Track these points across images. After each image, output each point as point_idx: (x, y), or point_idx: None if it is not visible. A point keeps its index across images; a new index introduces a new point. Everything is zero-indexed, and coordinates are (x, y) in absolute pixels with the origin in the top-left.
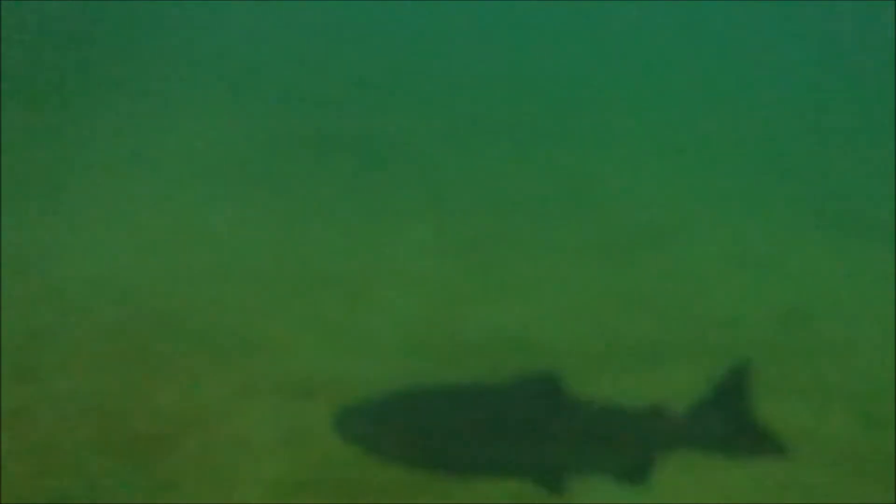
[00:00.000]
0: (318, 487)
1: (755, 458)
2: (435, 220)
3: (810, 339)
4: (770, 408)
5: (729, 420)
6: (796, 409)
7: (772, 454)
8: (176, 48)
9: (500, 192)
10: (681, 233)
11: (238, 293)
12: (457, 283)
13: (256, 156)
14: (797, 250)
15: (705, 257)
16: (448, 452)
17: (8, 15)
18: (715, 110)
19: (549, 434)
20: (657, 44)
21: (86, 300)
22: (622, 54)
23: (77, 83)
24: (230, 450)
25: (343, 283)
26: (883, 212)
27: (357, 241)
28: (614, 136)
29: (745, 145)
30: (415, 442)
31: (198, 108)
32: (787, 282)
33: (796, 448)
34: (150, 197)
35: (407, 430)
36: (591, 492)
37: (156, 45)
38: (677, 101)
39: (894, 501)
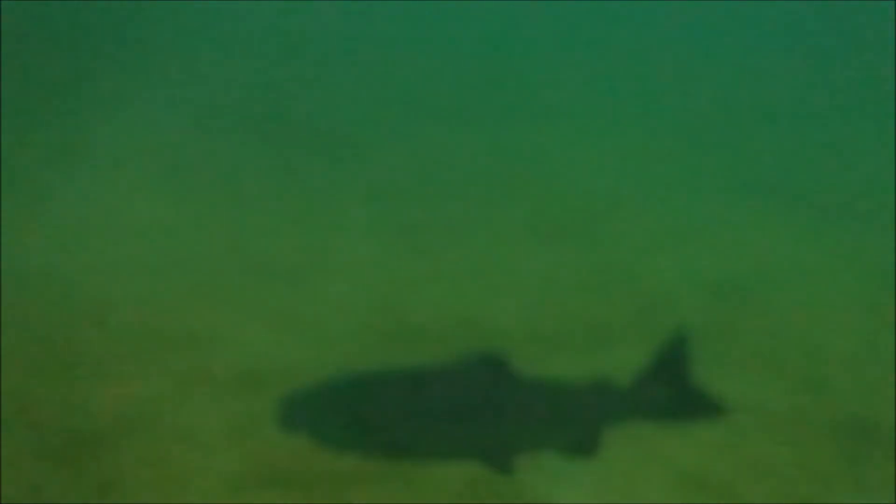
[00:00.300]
0: (272, 481)
1: (697, 423)
2: (378, 205)
3: (745, 310)
4: (710, 377)
5: (671, 389)
6: (734, 377)
7: (712, 418)
8: (117, 37)
9: (442, 174)
10: (621, 210)
11: (176, 284)
12: (402, 266)
13: (194, 143)
14: (730, 223)
15: (646, 234)
16: (398, 438)
17: None
18: (653, 87)
19: (499, 414)
20: (599, 22)
21: (6, 296)
22: (564, 32)
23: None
24: (176, 445)
25: (286, 270)
26: (812, 181)
27: (299, 229)
28: (555, 116)
29: (682, 121)
30: (363, 429)
31: (129, 94)
32: (722, 254)
33: (736, 415)
34: (77, 187)
35: (354, 418)
36: (542, 469)
37: (96, 33)
38: (615, 79)
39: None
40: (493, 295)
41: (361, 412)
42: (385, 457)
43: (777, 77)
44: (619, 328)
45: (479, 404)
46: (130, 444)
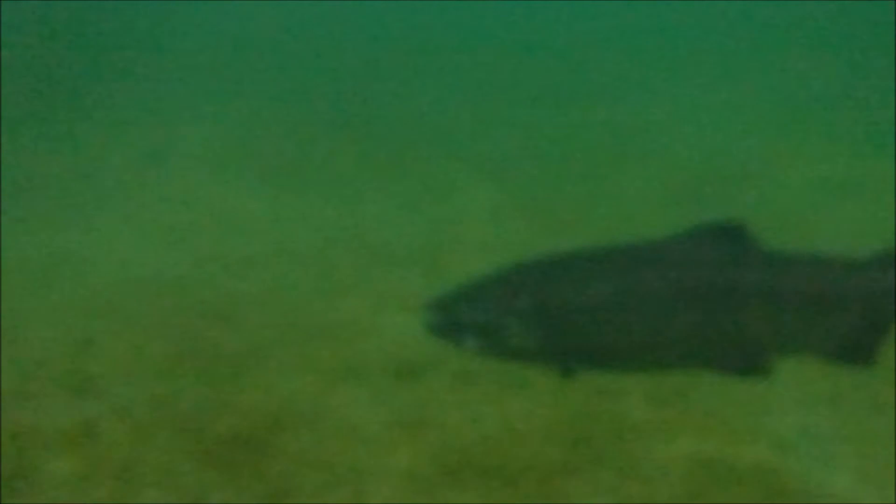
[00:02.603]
0: (458, 477)
1: None
2: (494, 185)
3: None
4: None
5: None
6: None
7: None
8: (193, 41)
9: (554, 153)
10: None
11: (298, 276)
12: (531, 245)
13: (289, 140)
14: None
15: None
16: (596, 338)
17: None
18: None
19: (738, 300)
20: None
21: (129, 302)
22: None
23: (90, 77)
24: (342, 443)
25: (410, 256)
26: None
27: (413, 215)
28: (648, 93)
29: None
30: (551, 327)
31: (218, 94)
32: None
33: None
34: (175, 187)
35: (540, 313)
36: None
37: (172, 37)
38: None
39: None
40: None
41: (545, 306)
42: (576, 366)
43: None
44: None
45: (708, 288)
46: (293, 445)
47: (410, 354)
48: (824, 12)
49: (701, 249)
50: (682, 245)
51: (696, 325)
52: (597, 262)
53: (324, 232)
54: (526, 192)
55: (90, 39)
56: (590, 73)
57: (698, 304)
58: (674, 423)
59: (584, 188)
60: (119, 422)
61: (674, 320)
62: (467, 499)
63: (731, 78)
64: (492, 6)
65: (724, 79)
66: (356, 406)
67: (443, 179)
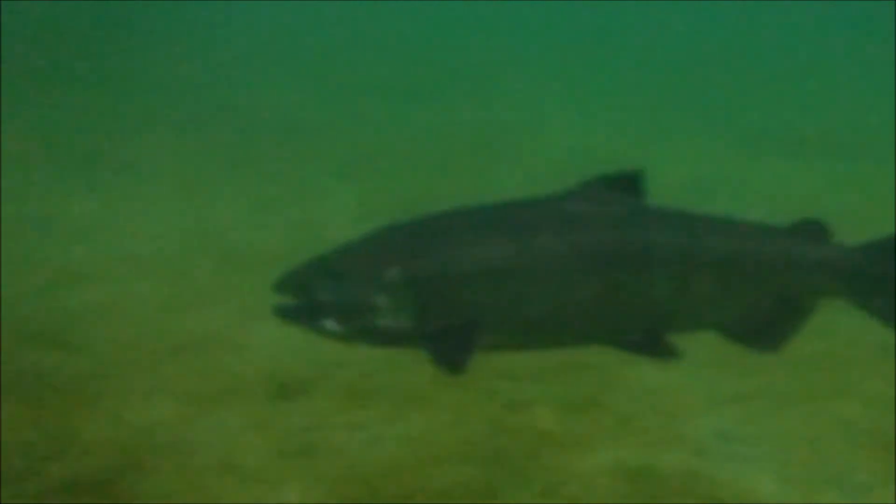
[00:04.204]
0: None
1: None
2: (354, 186)
3: None
4: None
5: None
6: None
7: None
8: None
9: (412, 153)
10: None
11: (144, 287)
12: None
13: (124, 136)
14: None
15: None
16: (483, 313)
17: None
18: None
19: (644, 265)
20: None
21: None
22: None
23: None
24: (215, 482)
25: (275, 260)
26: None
27: (275, 216)
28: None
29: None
30: (429, 303)
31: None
32: None
33: None
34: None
35: (414, 286)
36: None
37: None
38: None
39: None
40: None
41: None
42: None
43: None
44: None
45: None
46: (151, 487)
47: (290, 371)
48: (683, 16)
49: (600, 207)
50: (578, 202)
51: (594, 295)
52: (480, 224)
53: (176, 237)
54: (390, 191)
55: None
56: (456, 75)
57: (600, 272)
58: (590, 433)
59: (449, 186)
60: None
61: (574, 289)
62: None
63: (594, 81)
64: (363, 6)
65: (588, 81)
66: (229, 434)
67: (307, 180)
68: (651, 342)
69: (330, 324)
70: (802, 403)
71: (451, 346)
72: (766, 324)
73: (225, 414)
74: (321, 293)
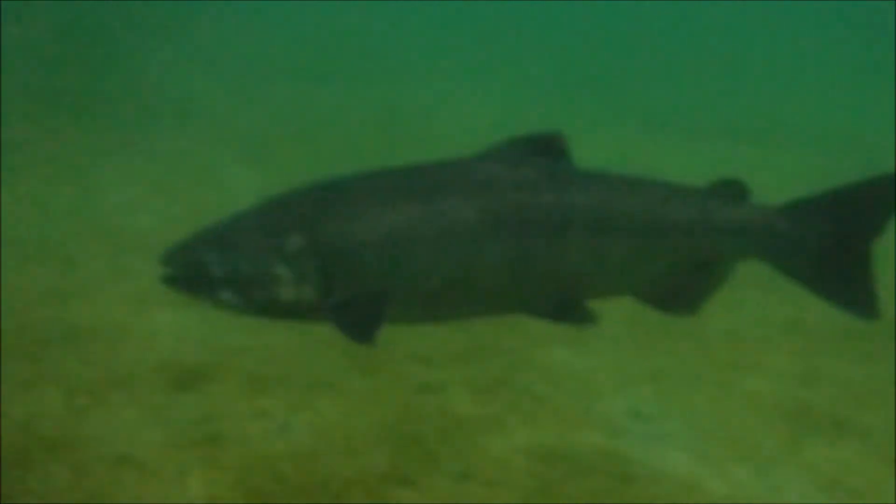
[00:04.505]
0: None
1: None
2: (254, 167)
3: None
4: None
5: None
6: None
7: None
8: None
9: (315, 134)
10: None
11: (27, 273)
12: None
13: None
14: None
15: None
16: (391, 282)
17: None
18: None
19: (557, 228)
20: None
21: None
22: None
23: None
24: (111, 477)
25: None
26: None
27: (171, 199)
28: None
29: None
30: (333, 272)
31: None
32: None
33: None
34: None
35: (317, 254)
36: (618, 350)
37: None
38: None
39: None
40: None
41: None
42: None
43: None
44: None
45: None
46: (37, 484)
47: (188, 359)
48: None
49: (513, 169)
50: (490, 164)
51: (506, 261)
52: (386, 187)
53: (64, 222)
54: (294, 174)
55: None
56: (366, 58)
57: (512, 237)
58: (504, 415)
59: (356, 168)
60: None
61: (484, 256)
62: None
63: (508, 71)
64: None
65: (501, 70)
66: (124, 426)
67: (207, 164)
68: (566, 309)
69: (226, 296)
70: (712, 380)
71: (359, 316)
72: (682, 287)
73: (118, 405)
74: (214, 267)
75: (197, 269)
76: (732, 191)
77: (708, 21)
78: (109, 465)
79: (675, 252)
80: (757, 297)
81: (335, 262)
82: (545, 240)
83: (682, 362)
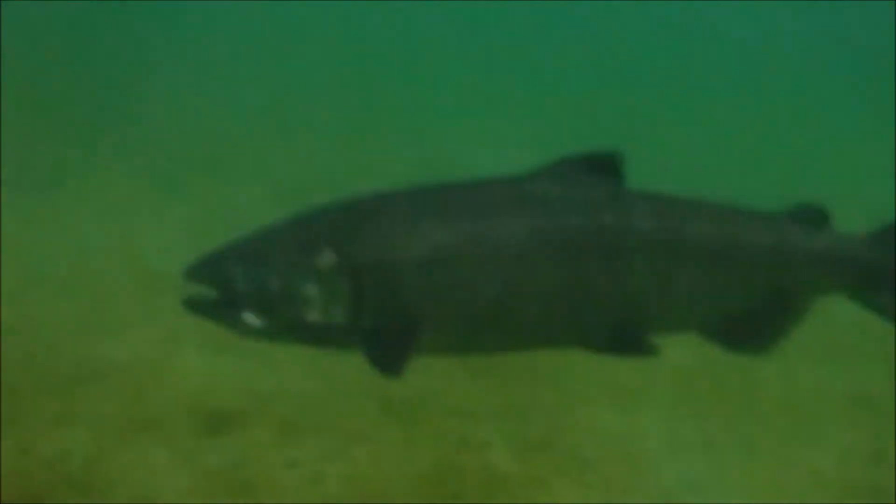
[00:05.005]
0: None
1: None
2: None
3: None
4: None
5: None
6: None
7: None
8: None
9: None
10: None
11: (56, 308)
12: None
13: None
14: None
15: None
16: (430, 308)
17: None
18: None
19: (618, 256)
20: None
21: None
22: None
23: None
24: None
25: None
26: None
27: (200, 237)
28: None
29: None
30: (366, 294)
31: None
32: None
33: None
34: None
35: (349, 274)
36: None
37: None
38: None
39: None
40: None
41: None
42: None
43: None
44: None
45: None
46: None
47: (220, 401)
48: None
49: (569, 188)
50: (544, 182)
51: (560, 288)
52: (428, 204)
53: (99, 258)
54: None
55: None
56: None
57: (568, 262)
58: (549, 477)
59: None
60: None
61: (536, 282)
62: None
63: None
64: None
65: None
66: (151, 470)
67: (238, 206)
68: (624, 340)
69: (250, 318)
70: (770, 452)
71: (390, 344)
72: (755, 322)
73: (147, 447)
74: (240, 281)
75: (220, 288)
76: (812, 216)
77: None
78: None
79: (748, 283)
80: (812, 368)
81: (368, 283)
82: (604, 265)
83: (736, 431)
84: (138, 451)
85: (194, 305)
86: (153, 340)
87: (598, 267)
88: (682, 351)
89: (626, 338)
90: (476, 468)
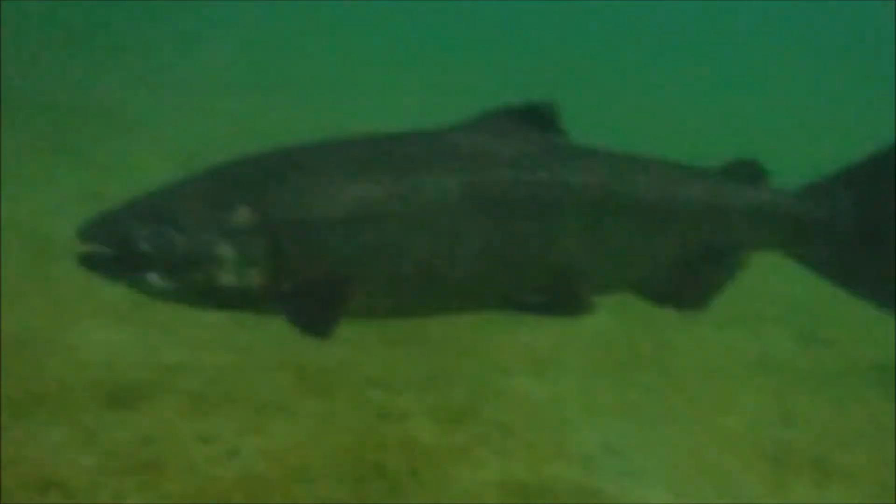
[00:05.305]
0: None
1: None
2: None
3: None
4: None
5: None
6: None
7: None
8: None
9: None
10: None
11: None
12: None
13: None
14: None
15: None
16: (353, 268)
17: None
18: None
19: (549, 210)
20: None
21: None
22: None
23: None
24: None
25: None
26: None
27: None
28: None
29: None
30: (284, 254)
31: None
32: None
33: None
34: None
35: (266, 233)
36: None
37: None
38: None
39: None
40: None
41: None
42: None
43: None
44: None
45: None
46: None
47: (124, 375)
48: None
49: (501, 141)
50: (475, 135)
51: (493, 246)
52: (352, 158)
53: None
54: None
55: None
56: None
57: (499, 218)
58: (473, 446)
59: None
60: None
61: (466, 238)
62: None
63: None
64: None
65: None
66: (52, 448)
67: (134, 169)
68: (556, 298)
69: (155, 280)
70: (687, 416)
71: (314, 306)
72: (690, 279)
73: (46, 424)
74: (142, 240)
75: (122, 245)
76: (748, 171)
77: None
78: (36, 492)
79: (683, 239)
80: (722, 333)
81: (289, 240)
82: (537, 222)
83: (653, 395)
84: (35, 429)
85: (92, 262)
86: (46, 311)
87: (528, 224)
88: (598, 317)
89: (559, 296)
90: (397, 439)
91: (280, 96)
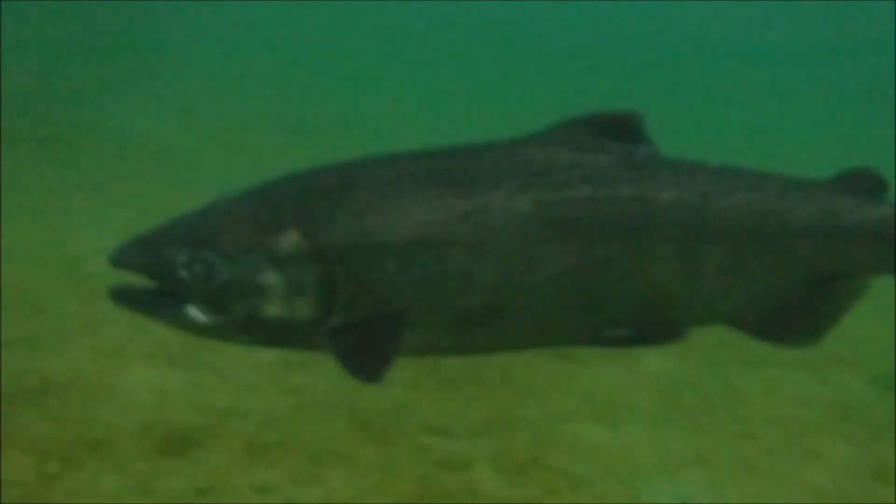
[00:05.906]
0: None
1: None
2: None
3: None
4: None
5: None
6: None
7: None
8: None
9: None
10: None
11: None
12: None
13: None
14: None
15: None
16: (415, 299)
17: None
18: None
19: (641, 234)
20: None
21: None
22: None
23: None
24: None
25: None
26: None
27: None
28: None
29: None
30: (337, 284)
31: None
32: None
33: None
34: None
35: (318, 260)
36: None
37: None
38: None
39: None
40: None
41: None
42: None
43: None
44: None
45: None
46: None
47: (175, 420)
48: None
49: (580, 155)
50: (550, 148)
51: (571, 274)
52: (414, 175)
53: (27, 264)
54: None
55: None
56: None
57: (578, 242)
58: (540, 499)
59: None
60: None
61: (541, 267)
62: None
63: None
64: None
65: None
66: (104, 498)
67: (178, 207)
68: (647, 330)
69: (195, 312)
70: (764, 465)
71: (367, 344)
72: (799, 309)
73: (95, 472)
74: (182, 268)
75: (157, 277)
76: (867, 184)
77: None
78: None
79: (791, 263)
80: (792, 377)
81: (342, 268)
82: (621, 246)
83: (728, 445)
84: (86, 478)
85: (125, 296)
86: (96, 353)
87: (613, 248)
88: (658, 357)
89: (647, 327)
90: (461, 490)
91: (323, 137)
